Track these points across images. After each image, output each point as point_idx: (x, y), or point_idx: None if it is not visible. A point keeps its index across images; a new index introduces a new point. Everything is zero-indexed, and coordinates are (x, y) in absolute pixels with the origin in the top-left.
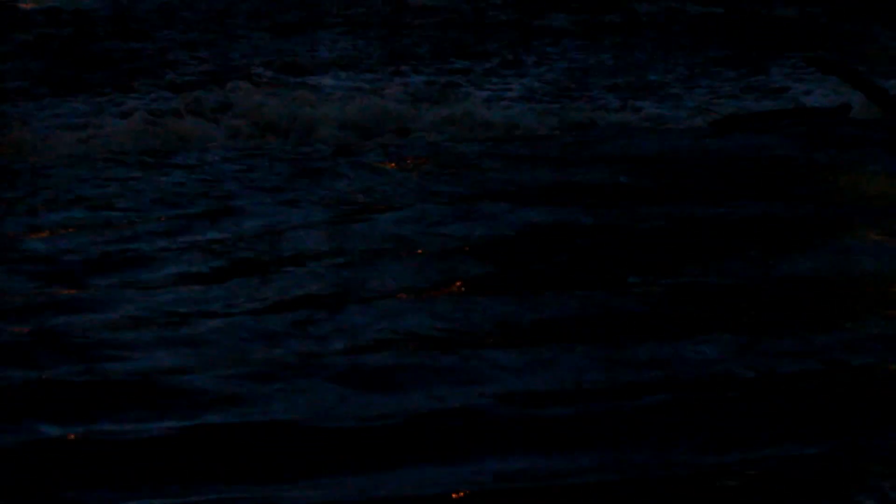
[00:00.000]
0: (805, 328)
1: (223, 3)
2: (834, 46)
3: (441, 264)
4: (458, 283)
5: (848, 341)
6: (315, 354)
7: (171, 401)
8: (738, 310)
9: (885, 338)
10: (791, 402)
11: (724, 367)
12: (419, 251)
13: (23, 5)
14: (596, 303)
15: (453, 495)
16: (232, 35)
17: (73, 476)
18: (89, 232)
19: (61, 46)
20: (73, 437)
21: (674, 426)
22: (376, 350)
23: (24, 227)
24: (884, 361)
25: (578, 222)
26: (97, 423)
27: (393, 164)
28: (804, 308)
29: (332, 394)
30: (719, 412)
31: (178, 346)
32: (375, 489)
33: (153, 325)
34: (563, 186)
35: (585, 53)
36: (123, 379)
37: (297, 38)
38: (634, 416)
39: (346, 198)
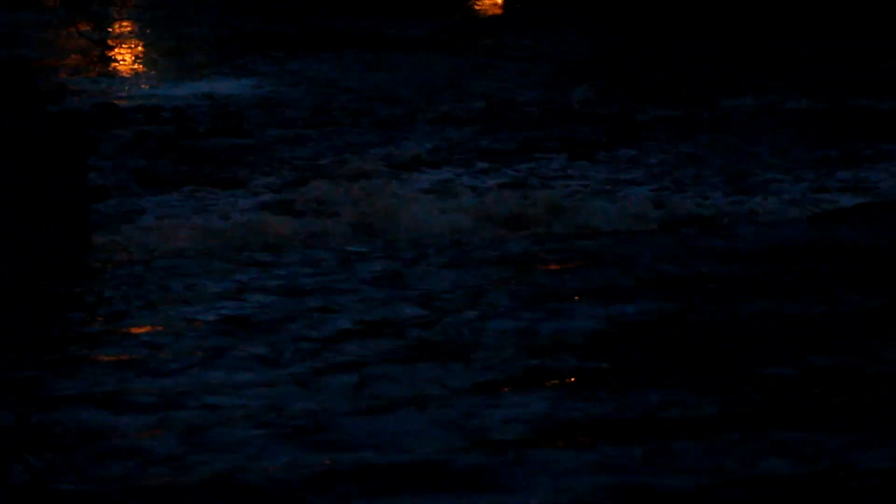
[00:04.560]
0: None
1: (322, 99)
2: None
3: (536, 360)
4: (555, 380)
5: None
6: (400, 459)
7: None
8: (851, 400)
9: None
10: None
11: (854, 454)
12: (513, 347)
13: (122, 103)
14: (702, 397)
15: None
16: (331, 131)
17: None
18: (182, 330)
19: (160, 143)
20: None
21: None
22: (466, 450)
23: (116, 325)
24: None
25: (679, 317)
26: None
27: (491, 260)
28: None
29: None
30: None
31: (276, 442)
32: None
33: (250, 424)
34: (663, 281)
35: (684, 147)
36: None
37: (395, 133)
38: None
39: (442, 295)
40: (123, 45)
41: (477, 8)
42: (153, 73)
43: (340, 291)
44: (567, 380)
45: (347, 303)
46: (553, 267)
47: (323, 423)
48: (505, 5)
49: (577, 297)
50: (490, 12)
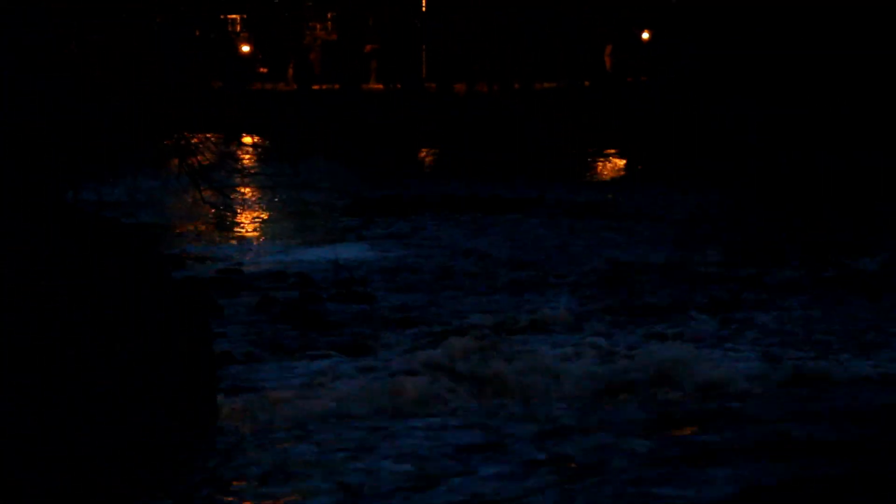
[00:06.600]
0: None
1: (443, 262)
2: None
3: None
4: None
5: None
6: None
7: None
8: None
9: None
10: None
11: None
12: None
13: (246, 268)
14: None
15: None
16: (454, 295)
17: None
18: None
19: (285, 309)
20: None
21: None
22: None
23: (254, 493)
24: None
25: (805, 477)
26: None
27: (617, 423)
28: None
29: None
30: None
31: None
32: None
33: None
34: (785, 441)
35: (807, 306)
36: None
37: (520, 296)
38: None
39: (580, 457)
40: (247, 212)
41: (597, 169)
42: (276, 238)
43: (478, 458)
44: None
45: (480, 466)
46: (675, 428)
47: None
48: (627, 167)
49: (694, 461)
50: (611, 174)
